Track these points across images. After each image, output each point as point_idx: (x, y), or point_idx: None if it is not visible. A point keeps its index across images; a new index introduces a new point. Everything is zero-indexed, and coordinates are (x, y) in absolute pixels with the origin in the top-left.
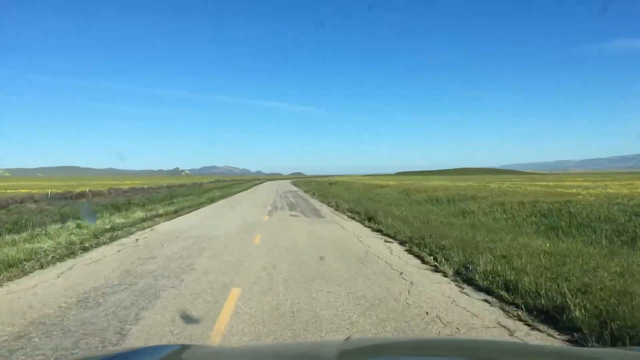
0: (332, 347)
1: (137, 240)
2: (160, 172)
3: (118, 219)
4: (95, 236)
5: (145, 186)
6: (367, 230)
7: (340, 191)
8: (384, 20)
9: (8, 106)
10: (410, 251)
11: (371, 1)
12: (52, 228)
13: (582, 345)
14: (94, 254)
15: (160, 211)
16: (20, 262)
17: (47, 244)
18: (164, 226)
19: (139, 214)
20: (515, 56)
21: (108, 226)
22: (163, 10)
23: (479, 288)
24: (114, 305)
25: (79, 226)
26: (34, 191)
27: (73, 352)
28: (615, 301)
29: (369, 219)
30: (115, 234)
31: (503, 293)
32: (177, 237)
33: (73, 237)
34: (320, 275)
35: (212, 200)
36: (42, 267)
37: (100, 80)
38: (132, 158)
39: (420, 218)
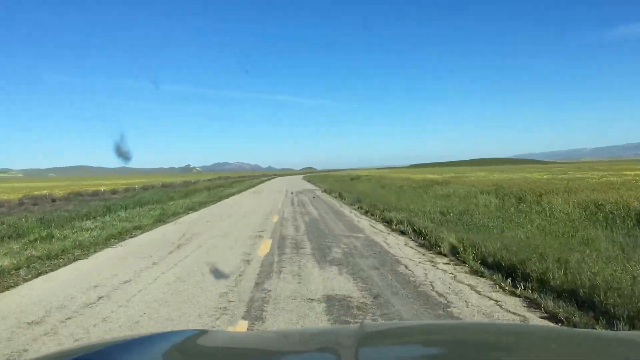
0: (350, 332)
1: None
2: (171, 169)
3: None
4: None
5: (136, 185)
6: None
7: (378, 191)
8: (393, 10)
9: (19, 107)
10: None
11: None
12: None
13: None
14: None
15: None
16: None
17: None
18: None
19: None
20: (518, 45)
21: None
22: (172, 5)
23: None
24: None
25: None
26: (53, 191)
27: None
28: None
29: None
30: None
31: None
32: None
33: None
34: None
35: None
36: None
37: (109, 78)
38: (143, 156)
39: None
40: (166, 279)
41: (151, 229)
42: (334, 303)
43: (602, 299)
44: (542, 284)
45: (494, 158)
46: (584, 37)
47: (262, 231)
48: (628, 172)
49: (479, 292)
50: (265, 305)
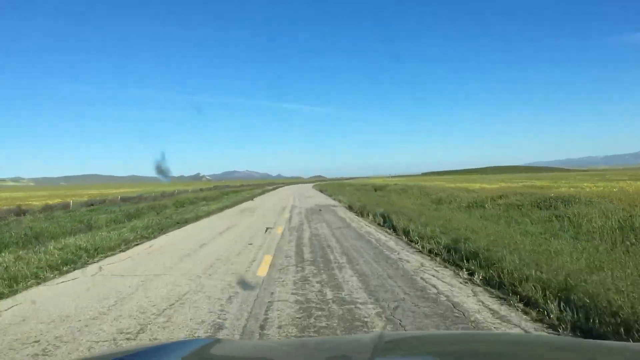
0: (365, 342)
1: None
2: (181, 177)
3: None
4: None
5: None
6: None
7: (451, 216)
8: (403, 17)
9: (30, 116)
10: None
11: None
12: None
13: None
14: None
15: None
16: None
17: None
18: None
19: None
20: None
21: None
22: (178, 14)
23: None
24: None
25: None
26: (68, 199)
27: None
28: None
29: None
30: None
31: None
32: None
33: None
34: None
35: None
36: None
37: (119, 86)
38: (151, 165)
39: None
40: None
41: None
42: None
43: None
44: None
45: (505, 166)
46: (595, 43)
47: None
48: None
49: None
50: None
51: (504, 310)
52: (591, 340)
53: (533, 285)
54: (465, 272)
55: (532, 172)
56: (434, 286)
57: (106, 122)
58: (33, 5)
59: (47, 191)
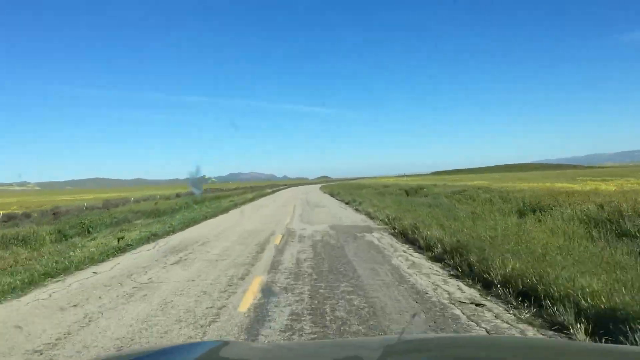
0: (374, 345)
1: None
2: (187, 180)
3: None
4: None
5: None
6: None
7: None
8: (419, 14)
9: (35, 120)
10: None
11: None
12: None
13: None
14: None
15: None
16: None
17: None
18: None
19: None
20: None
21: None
22: (183, 16)
23: None
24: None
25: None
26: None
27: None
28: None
29: None
30: None
31: None
32: None
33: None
34: None
35: None
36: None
37: (124, 90)
38: (159, 167)
39: None
40: None
41: None
42: None
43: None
44: None
45: (516, 164)
46: (602, 41)
47: None
48: None
49: None
50: None
51: None
52: (601, 344)
53: None
54: None
55: (546, 169)
56: None
57: (111, 126)
58: (34, 10)
59: (55, 195)
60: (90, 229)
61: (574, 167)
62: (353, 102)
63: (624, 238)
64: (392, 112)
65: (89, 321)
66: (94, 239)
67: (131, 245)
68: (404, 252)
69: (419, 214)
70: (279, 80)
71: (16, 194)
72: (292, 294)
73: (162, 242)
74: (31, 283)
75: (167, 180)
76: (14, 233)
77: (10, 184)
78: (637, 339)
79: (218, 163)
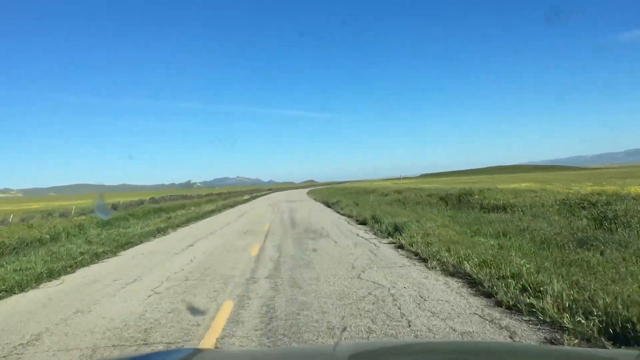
0: (324, 353)
1: None
2: (172, 185)
3: None
4: None
5: None
6: None
7: None
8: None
9: (18, 127)
10: None
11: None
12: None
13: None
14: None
15: None
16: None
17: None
18: None
19: None
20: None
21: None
22: (170, 22)
23: None
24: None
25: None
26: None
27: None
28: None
29: None
30: None
31: None
32: None
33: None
34: None
35: None
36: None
37: (108, 96)
38: (144, 172)
39: None
40: None
41: None
42: None
43: None
44: None
45: (508, 165)
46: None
47: None
48: None
49: None
50: None
51: None
52: (594, 349)
53: None
54: None
55: (536, 171)
56: None
57: (96, 132)
58: (12, 16)
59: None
60: None
61: (551, 168)
62: (338, 106)
63: None
64: (377, 116)
65: None
66: None
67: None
68: None
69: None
70: (266, 86)
71: (21, 201)
72: None
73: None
74: None
75: (153, 186)
76: None
77: None
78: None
79: (204, 168)
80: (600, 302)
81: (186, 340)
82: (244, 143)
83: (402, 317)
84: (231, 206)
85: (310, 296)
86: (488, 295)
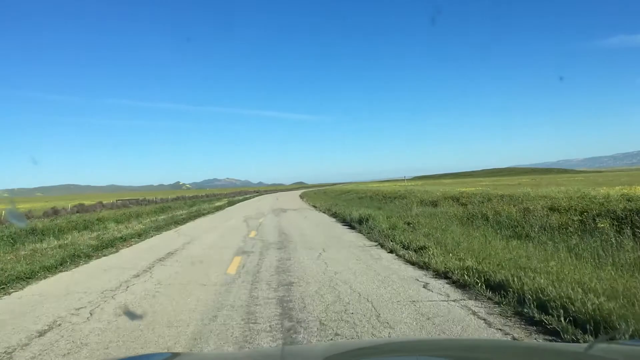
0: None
1: None
2: (161, 186)
3: None
4: None
5: None
6: None
7: None
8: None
9: (4, 127)
10: None
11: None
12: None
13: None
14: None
15: None
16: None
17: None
18: None
19: None
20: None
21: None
22: (157, 24)
23: None
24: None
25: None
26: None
27: None
28: None
29: None
30: None
31: None
32: None
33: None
34: None
35: None
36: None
37: (95, 96)
38: (132, 174)
39: None
40: None
41: None
42: None
43: None
44: None
45: (503, 168)
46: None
47: None
48: None
49: None
50: None
51: None
52: (579, 344)
53: None
54: None
55: (530, 174)
56: None
57: (83, 132)
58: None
59: (56, 201)
60: None
61: (544, 171)
62: (327, 108)
63: None
64: (369, 117)
65: None
66: None
67: None
68: None
69: None
70: (255, 87)
71: (7, 201)
72: None
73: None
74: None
75: (142, 187)
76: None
77: None
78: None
79: (193, 169)
80: None
81: None
82: (233, 145)
83: None
84: (206, 213)
85: None
86: None
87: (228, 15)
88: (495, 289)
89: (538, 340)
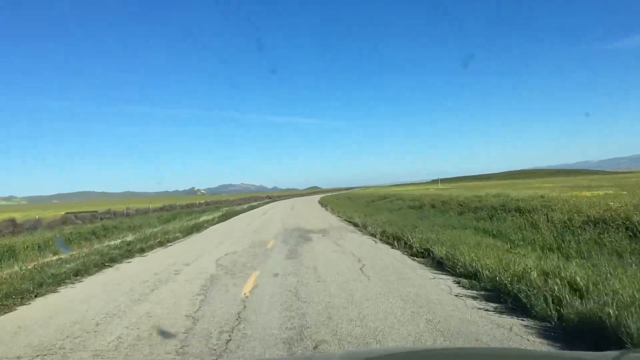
0: None
1: None
2: (176, 192)
3: None
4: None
5: None
6: None
7: None
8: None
9: (22, 134)
10: None
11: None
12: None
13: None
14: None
15: None
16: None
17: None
18: None
19: None
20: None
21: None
22: (173, 29)
23: None
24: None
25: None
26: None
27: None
28: None
29: None
30: None
31: None
32: None
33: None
34: None
35: None
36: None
37: (112, 103)
38: (148, 180)
39: None
40: None
41: None
42: None
43: None
44: None
45: (520, 170)
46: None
47: None
48: None
49: None
50: None
51: None
52: (593, 352)
53: None
54: None
55: (555, 176)
56: None
57: (99, 139)
58: (19, 23)
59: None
60: None
61: (565, 172)
62: (341, 112)
63: None
64: (383, 121)
65: None
66: None
67: None
68: None
69: None
70: (269, 92)
71: (9, 208)
72: None
73: None
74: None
75: (157, 193)
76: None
77: None
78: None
79: (208, 175)
80: None
81: None
82: (248, 150)
83: None
84: (192, 231)
85: None
86: None
87: (238, 20)
88: None
89: (561, 350)
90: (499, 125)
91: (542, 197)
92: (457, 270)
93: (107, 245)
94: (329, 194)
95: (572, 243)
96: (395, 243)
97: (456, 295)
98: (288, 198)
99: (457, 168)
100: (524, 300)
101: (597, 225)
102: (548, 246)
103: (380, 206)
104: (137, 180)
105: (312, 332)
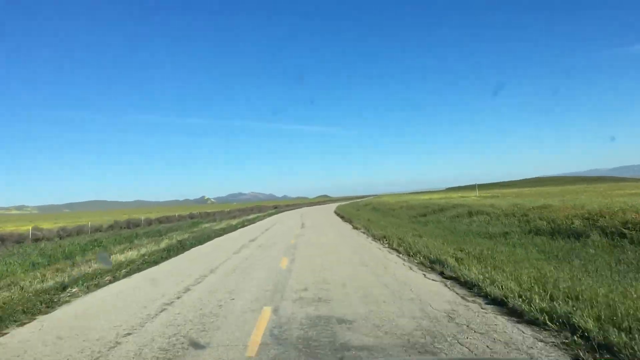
0: None
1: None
2: (186, 201)
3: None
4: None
5: None
6: None
7: None
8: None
9: (30, 144)
10: None
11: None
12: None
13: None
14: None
15: None
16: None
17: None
18: None
19: None
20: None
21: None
22: (182, 39)
23: None
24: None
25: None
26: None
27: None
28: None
29: None
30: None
31: None
32: None
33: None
34: None
35: None
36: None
37: (122, 113)
38: (158, 189)
39: None
40: None
41: None
42: None
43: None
44: None
45: (538, 177)
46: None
47: None
48: None
49: None
50: None
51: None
52: None
53: None
54: None
55: (573, 183)
56: None
57: (110, 148)
58: (31, 33)
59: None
60: None
61: (583, 180)
62: (352, 120)
63: None
64: (393, 129)
65: None
66: None
67: None
68: None
69: None
70: (278, 101)
71: (37, 217)
72: None
73: None
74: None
75: (167, 202)
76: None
77: (8, 208)
78: None
79: (219, 184)
80: None
81: None
82: (258, 159)
83: None
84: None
85: None
86: None
87: (247, 28)
88: None
89: None
90: (498, 134)
91: None
92: None
93: None
94: (343, 202)
95: None
96: None
97: None
98: (298, 208)
99: (467, 176)
100: None
101: None
102: None
103: (426, 220)
104: (148, 190)
105: None
